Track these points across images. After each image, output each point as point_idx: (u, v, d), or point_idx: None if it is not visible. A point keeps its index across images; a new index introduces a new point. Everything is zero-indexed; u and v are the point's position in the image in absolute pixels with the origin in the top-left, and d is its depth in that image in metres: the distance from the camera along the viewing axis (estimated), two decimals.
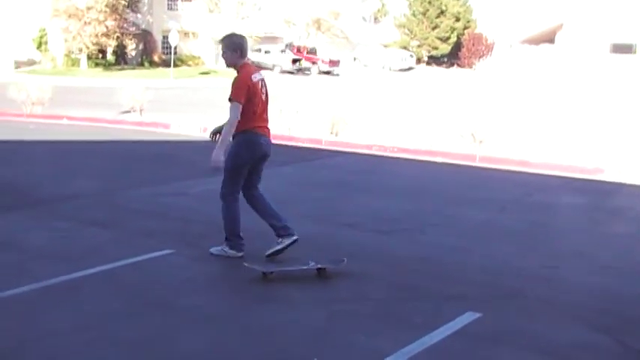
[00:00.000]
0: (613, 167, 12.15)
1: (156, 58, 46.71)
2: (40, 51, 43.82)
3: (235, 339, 4.48)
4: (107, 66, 43.22)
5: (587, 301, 5.42)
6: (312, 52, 48.22)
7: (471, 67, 55.22)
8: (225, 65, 6.24)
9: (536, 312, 5.12)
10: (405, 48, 57.62)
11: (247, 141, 6.00)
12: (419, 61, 57.15)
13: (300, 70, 45.03)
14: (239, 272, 5.59)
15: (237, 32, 6.53)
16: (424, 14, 58.08)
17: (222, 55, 6.10)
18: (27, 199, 8.32)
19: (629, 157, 13.24)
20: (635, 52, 40.26)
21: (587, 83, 35.65)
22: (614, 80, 36.11)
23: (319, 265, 5.71)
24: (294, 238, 6.11)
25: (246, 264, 5.66)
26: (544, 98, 31.39)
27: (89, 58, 42.65)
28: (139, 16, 45.90)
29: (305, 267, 5.71)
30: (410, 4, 59.40)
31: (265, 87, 6.14)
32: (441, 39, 58.11)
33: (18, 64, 40.77)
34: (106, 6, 40.67)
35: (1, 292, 5.08)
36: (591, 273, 6.26)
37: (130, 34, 44.65)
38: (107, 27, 41.27)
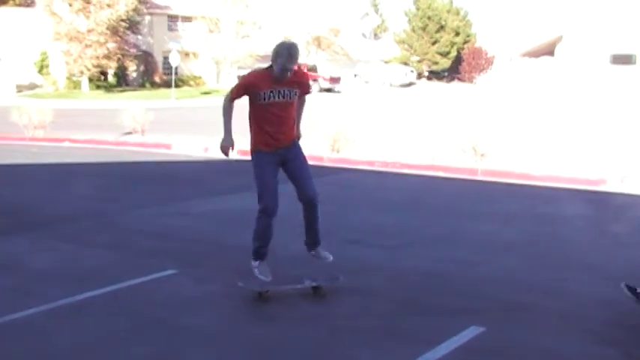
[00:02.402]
0: (616, 178, 12.13)
1: (157, 79, 46.96)
2: (42, 74, 44.12)
3: (239, 357, 4.46)
4: (108, 88, 43.45)
5: (595, 313, 5.38)
6: (313, 69, 48.39)
7: (471, 82, 55.45)
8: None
9: (542, 325, 5.09)
10: (405, 63, 57.90)
11: None
12: (419, 76, 57.40)
13: None
14: (242, 291, 5.57)
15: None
16: (424, 29, 58.43)
17: (294, 66, 5.78)
18: (29, 222, 8.32)
19: (631, 167, 13.23)
20: (635, 63, 40.29)
21: (587, 94, 35.70)
22: (615, 91, 36.16)
23: (314, 284, 5.65)
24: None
25: (240, 284, 5.64)
26: (545, 111, 31.43)
27: (90, 80, 42.90)
28: (139, 37, 46.17)
29: (300, 285, 5.66)
30: (409, 19, 59.81)
31: None
32: (441, 54, 58.42)
33: (20, 88, 41.02)
34: (107, 28, 40.99)
35: (8, 315, 5.08)
36: (598, 285, 6.21)
37: (130, 56, 44.93)
38: (108, 49, 41.58)
